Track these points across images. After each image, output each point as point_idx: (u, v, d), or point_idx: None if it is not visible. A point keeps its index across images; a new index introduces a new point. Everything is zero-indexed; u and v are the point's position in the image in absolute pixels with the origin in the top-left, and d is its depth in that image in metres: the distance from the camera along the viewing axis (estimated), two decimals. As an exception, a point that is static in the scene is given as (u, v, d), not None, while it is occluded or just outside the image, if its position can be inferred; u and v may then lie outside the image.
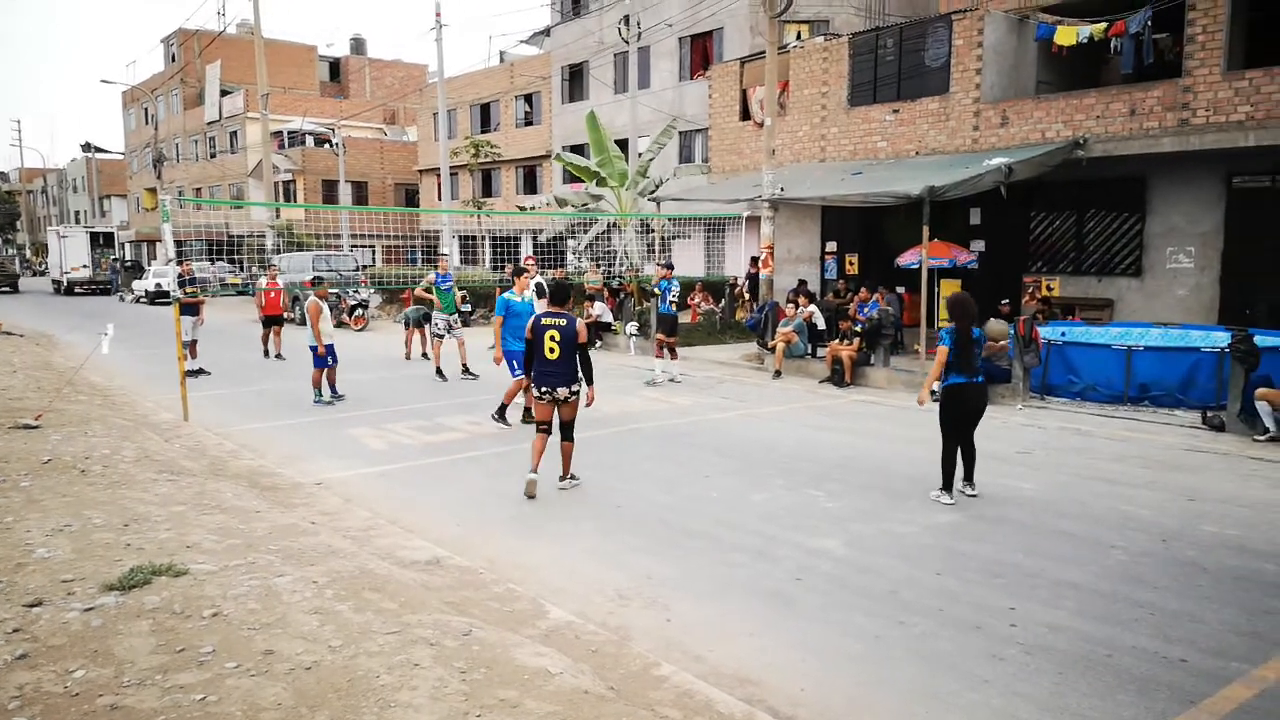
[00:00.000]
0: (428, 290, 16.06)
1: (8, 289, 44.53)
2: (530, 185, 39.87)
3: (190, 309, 15.26)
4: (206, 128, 56.97)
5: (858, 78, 18.81)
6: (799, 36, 23.92)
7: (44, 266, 58.31)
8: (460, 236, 39.58)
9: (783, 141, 19.69)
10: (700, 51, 30.19)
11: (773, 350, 15.48)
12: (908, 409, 12.18)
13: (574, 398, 7.84)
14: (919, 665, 4.68)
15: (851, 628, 5.14)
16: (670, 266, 15.25)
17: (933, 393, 8.31)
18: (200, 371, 15.05)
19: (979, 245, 17.49)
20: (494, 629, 4.69)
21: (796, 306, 15.93)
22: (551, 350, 7.68)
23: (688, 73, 30.52)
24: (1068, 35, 15.23)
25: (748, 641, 4.97)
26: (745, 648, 4.89)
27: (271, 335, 17.80)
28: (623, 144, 27.83)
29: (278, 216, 39.01)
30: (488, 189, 41.60)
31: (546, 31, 38.25)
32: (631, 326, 18.09)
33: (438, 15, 27.86)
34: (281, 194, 48.90)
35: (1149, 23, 14.29)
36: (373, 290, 26.93)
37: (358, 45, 65.72)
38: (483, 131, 40.30)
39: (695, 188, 23.49)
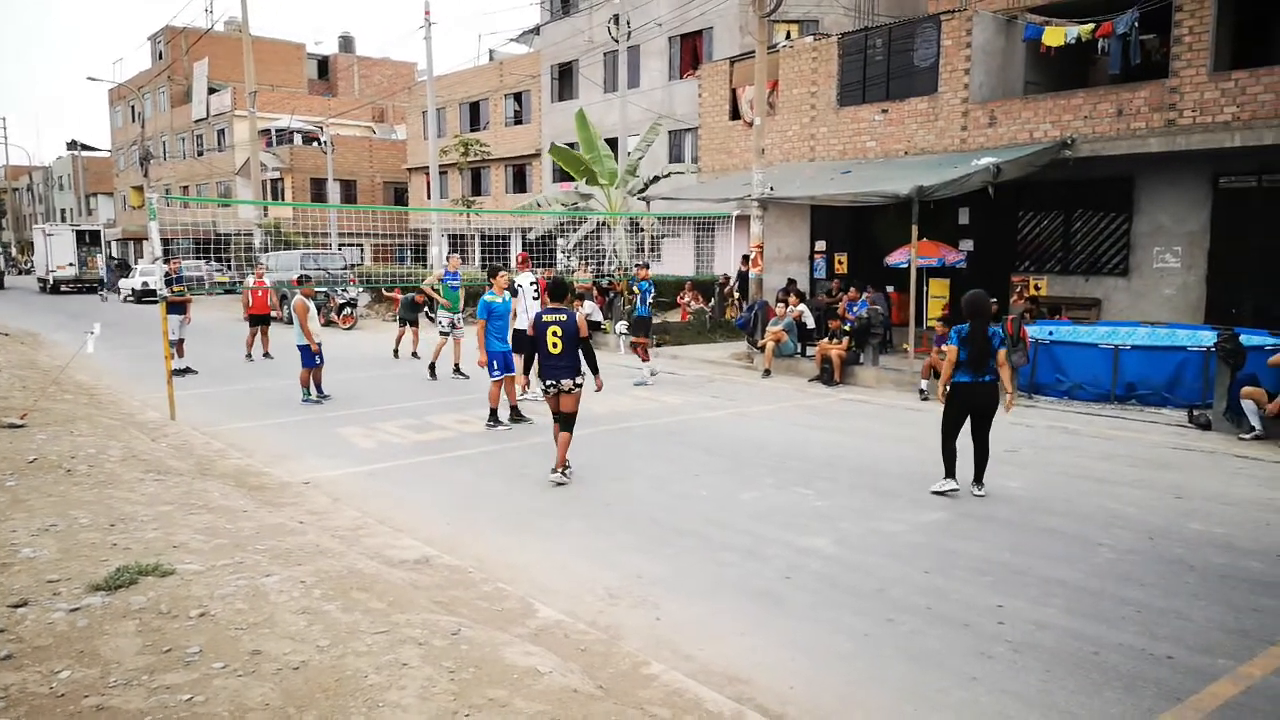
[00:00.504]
0: (435, 289, 15.99)
1: None
2: (520, 184, 39.81)
3: (177, 308, 15.18)
4: (194, 125, 56.71)
5: (847, 77, 18.84)
6: (788, 36, 23.94)
7: (30, 265, 57.90)
8: (450, 235, 39.49)
9: (772, 141, 19.71)
10: (690, 51, 30.21)
11: (762, 349, 15.51)
12: (897, 408, 12.22)
13: (577, 389, 8.19)
14: (908, 663, 4.69)
15: (841, 626, 5.15)
16: (646, 266, 15.27)
17: (922, 391, 8.34)
18: (187, 370, 14.98)
19: (967, 245, 17.54)
20: (483, 628, 4.68)
21: (786, 305, 15.96)
22: (554, 346, 8.04)
23: (677, 72, 30.53)
24: (1055, 36, 15.29)
25: (737, 640, 4.98)
26: (735, 646, 4.90)
27: (259, 335, 17.68)
28: (612, 143, 27.83)
29: (266, 215, 38.85)
30: (477, 188, 41.53)
31: (536, 30, 38.20)
32: (621, 325, 18.09)
33: (427, 13, 27.78)
34: (269, 192, 48.69)
35: (1136, 24, 14.36)
36: (361, 289, 26.84)
37: (346, 43, 65.48)
38: (472, 130, 40.23)
39: (685, 187, 23.49)
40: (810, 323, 16.04)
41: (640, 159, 24.12)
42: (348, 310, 24.67)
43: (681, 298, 23.40)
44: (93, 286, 42.45)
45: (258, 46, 42.42)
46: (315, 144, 49.40)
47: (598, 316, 20.39)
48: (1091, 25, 14.76)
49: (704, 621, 5.22)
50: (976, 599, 5.49)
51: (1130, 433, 10.55)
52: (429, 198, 36.57)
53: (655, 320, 19.95)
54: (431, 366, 14.80)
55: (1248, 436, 10.06)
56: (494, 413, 10.78)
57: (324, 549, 5.82)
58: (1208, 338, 11.60)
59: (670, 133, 29.45)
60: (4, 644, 4.12)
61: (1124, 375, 12.03)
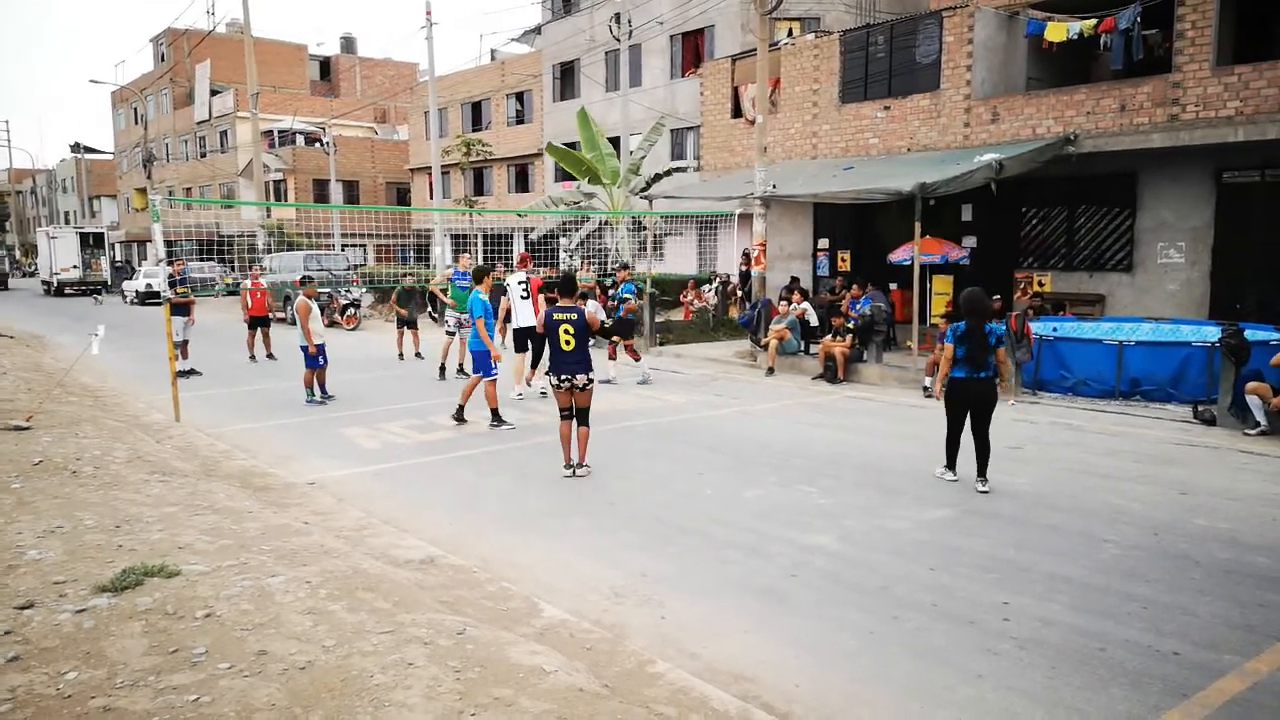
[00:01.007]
0: (442, 288, 16.02)
1: None
2: (522, 184, 39.81)
3: (181, 309, 15.22)
4: (196, 127, 56.78)
5: (849, 75, 18.82)
6: (790, 34, 23.91)
7: (34, 267, 58.05)
8: (452, 235, 39.52)
9: (774, 139, 19.69)
10: (691, 49, 30.18)
11: (766, 347, 15.49)
12: (900, 405, 12.21)
13: (590, 385, 8.26)
14: (913, 660, 4.69)
15: (845, 623, 5.14)
16: (626, 267, 15.29)
17: (925, 389, 8.41)
18: (192, 372, 15.01)
19: (970, 241, 17.52)
20: (488, 628, 4.69)
21: (789, 304, 15.94)
22: (567, 343, 8.14)
23: (679, 70, 30.51)
24: (1058, 31, 15.25)
25: (742, 638, 4.98)
26: (740, 644, 4.90)
27: (260, 337, 17.69)
28: (614, 142, 27.82)
29: (269, 216, 38.91)
30: (480, 188, 41.54)
31: (538, 29, 38.19)
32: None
33: (428, 13, 27.77)
34: (272, 193, 48.76)
35: (1139, 19, 14.32)
36: (364, 289, 26.86)
37: (348, 44, 65.53)
38: (474, 130, 40.23)
39: (687, 185, 23.48)
40: (814, 320, 16.02)
41: (643, 158, 24.11)
42: (351, 311, 24.69)
43: (685, 296, 23.40)
44: (97, 289, 42.52)
45: (259, 48, 42.47)
46: (318, 145, 49.48)
47: (601, 315, 20.39)
48: (1094, 20, 14.72)
49: (709, 620, 5.22)
50: (982, 596, 5.49)
51: (1135, 429, 10.54)
52: (431, 198, 36.58)
53: (659, 319, 19.99)
54: (441, 367, 14.83)
55: (1253, 432, 10.04)
56: (495, 412, 10.74)
57: (329, 549, 5.83)
58: (1212, 333, 11.58)
59: (672, 131, 29.43)
60: (11, 646, 4.13)
61: (1128, 371, 12.01)
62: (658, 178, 23.44)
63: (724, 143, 21.87)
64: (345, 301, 24.71)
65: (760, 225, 17.65)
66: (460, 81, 41.43)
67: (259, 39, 44.34)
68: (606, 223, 25.85)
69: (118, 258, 55.79)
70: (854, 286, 16.16)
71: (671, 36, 30.26)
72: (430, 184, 34.07)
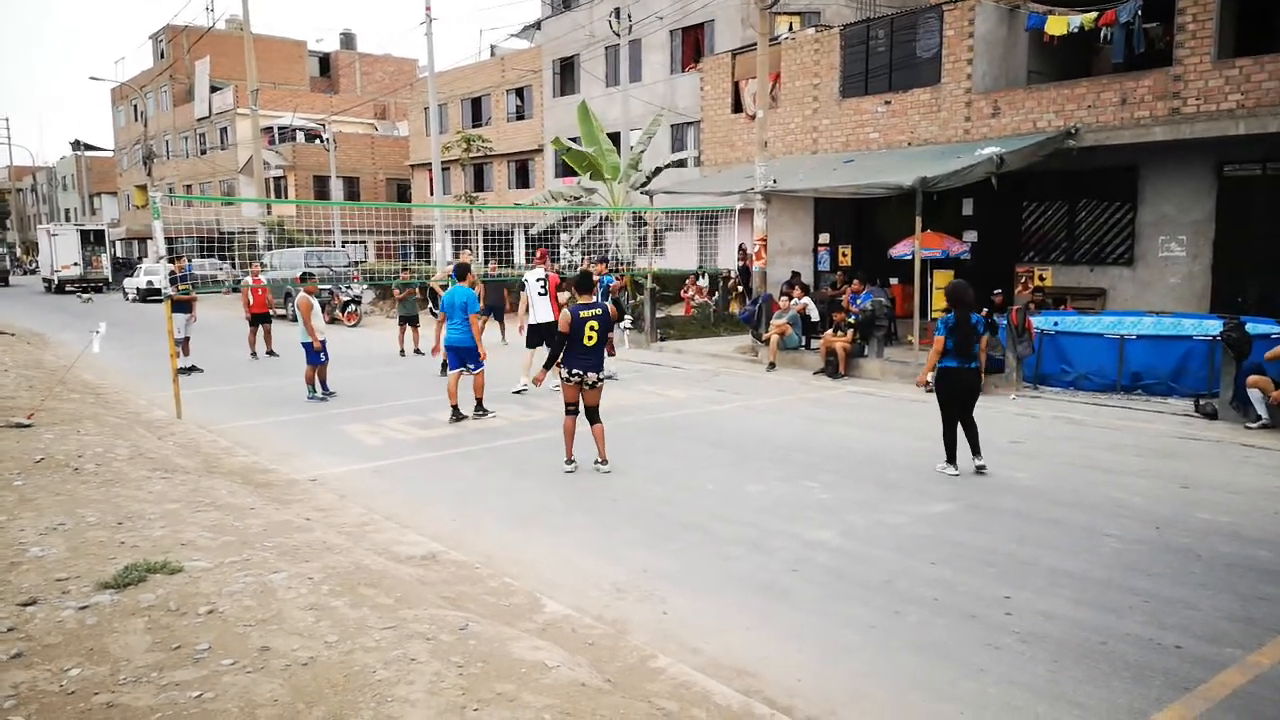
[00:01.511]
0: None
1: None
2: (522, 179, 39.78)
3: (183, 306, 15.23)
4: (196, 124, 56.75)
5: (849, 69, 18.79)
6: (790, 28, 23.88)
7: (34, 265, 58.10)
8: (453, 231, 39.50)
9: (775, 133, 19.66)
10: (691, 44, 30.13)
11: (767, 342, 15.49)
12: (902, 400, 12.21)
13: (600, 384, 8.32)
14: (915, 655, 4.69)
15: (847, 618, 5.15)
16: (604, 261, 15.30)
17: (926, 383, 8.50)
18: (193, 369, 15.02)
19: (971, 236, 17.50)
20: (490, 623, 4.69)
21: (790, 299, 15.94)
22: (590, 339, 8.14)
23: (679, 65, 30.46)
24: (1058, 25, 15.23)
25: (744, 633, 4.98)
26: (742, 639, 4.90)
27: (261, 334, 17.70)
28: (614, 138, 27.82)
29: (269, 213, 38.87)
30: (480, 183, 41.50)
31: (537, 25, 38.13)
32: (624, 320, 18.09)
33: (428, 9, 27.73)
34: (273, 190, 48.75)
35: (1139, 12, 14.29)
36: (365, 286, 26.86)
37: (347, 40, 65.49)
38: (474, 126, 40.19)
39: (687, 180, 23.45)
40: (815, 315, 16.01)
41: (643, 153, 24.07)
42: (352, 307, 24.69)
43: (685, 291, 23.38)
44: (98, 286, 42.48)
45: (259, 45, 42.44)
46: (318, 141, 49.47)
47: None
48: (1094, 14, 14.70)
49: (711, 615, 5.22)
50: (983, 590, 5.49)
51: (1136, 423, 10.53)
52: (432, 194, 36.54)
53: (660, 314, 19.98)
54: (443, 364, 14.82)
55: (1254, 425, 10.03)
56: (479, 403, 11.02)
57: (331, 545, 5.83)
58: (1213, 327, 11.56)
59: (672, 126, 29.40)
60: (14, 642, 4.13)
61: (1129, 365, 12.00)
62: (658, 171, 23.42)
63: (724, 138, 21.84)
64: (346, 298, 24.71)
65: (761, 220, 17.64)
66: (460, 77, 41.39)
67: (258, 35, 44.31)
68: (607, 218, 25.83)
69: (118, 254, 55.76)
70: (855, 281, 16.15)
71: (671, 31, 30.21)
72: (431, 180, 34.06)
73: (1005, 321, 12.27)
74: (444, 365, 14.84)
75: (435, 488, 8.08)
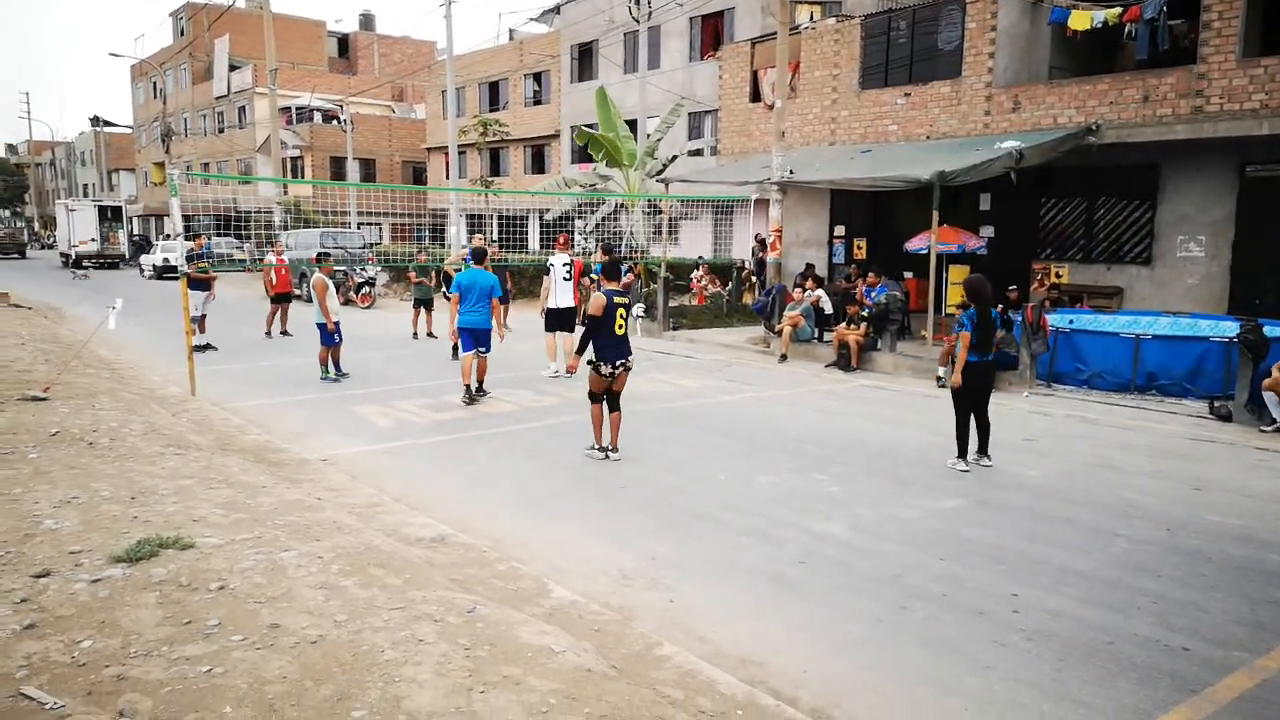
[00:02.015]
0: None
1: (16, 255, 51.50)
2: (538, 165, 39.74)
3: (201, 284, 15.30)
4: (215, 102, 56.88)
5: (869, 60, 18.66)
6: (811, 18, 23.71)
7: (52, 240, 58.51)
8: (468, 215, 39.51)
9: (792, 124, 19.56)
10: (711, 31, 29.99)
11: (779, 334, 15.46)
12: (915, 394, 12.17)
13: (627, 370, 8.40)
14: (922, 649, 4.69)
15: (855, 611, 5.15)
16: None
17: (939, 378, 8.53)
18: (208, 346, 15.10)
19: (988, 231, 17.38)
20: (498, 606, 4.71)
21: (804, 290, 15.89)
22: (620, 326, 8.20)
23: (698, 53, 30.33)
24: (1082, 20, 15.07)
25: (751, 623, 4.99)
26: (748, 629, 4.91)
27: (279, 313, 17.78)
28: (631, 125, 27.70)
29: (285, 193, 38.95)
30: (496, 168, 41.49)
31: (556, 9, 38.00)
32: (637, 308, 18.09)
33: (447, -8, 27.66)
34: (290, 170, 48.85)
35: (1164, 8, 14.13)
36: (379, 268, 26.91)
37: (366, 21, 65.49)
38: (491, 110, 40.15)
39: (704, 169, 23.37)
40: (828, 308, 15.96)
41: (660, 140, 24.00)
42: (366, 289, 24.76)
43: (697, 281, 23.33)
44: (114, 262, 42.67)
45: (279, 24, 42.44)
46: (335, 122, 49.53)
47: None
48: (1119, 9, 14.54)
49: (718, 604, 5.23)
50: (992, 587, 5.48)
51: (1150, 423, 10.47)
52: (447, 177, 36.56)
53: (673, 304, 19.96)
54: (454, 347, 14.85)
55: (1269, 429, 9.96)
56: (478, 385, 11.21)
57: (341, 525, 5.87)
58: (1230, 328, 11.47)
59: (690, 114, 29.27)
60: (27, 613, 4.18)
61: (1144, 365, 11.92)
62: (674, 159, 23.35)
63: (742, 127, 21.75)
64: (360, 280, 24.77)
65: (776, 211, 17.57)
66: (478, 61, 41.33)
67: (278, 15, 44.31)
68: (622, 205, 25.79)
69: (135, 231, 56.02)
70: (869, 274, 16.08)
71: (691, 18, 30.07)
72: (447, 163, 34.06)
73: (1020, 318, 12.19)
74: (455, 349, 14.92)
75: (446, 471, 8.11)
